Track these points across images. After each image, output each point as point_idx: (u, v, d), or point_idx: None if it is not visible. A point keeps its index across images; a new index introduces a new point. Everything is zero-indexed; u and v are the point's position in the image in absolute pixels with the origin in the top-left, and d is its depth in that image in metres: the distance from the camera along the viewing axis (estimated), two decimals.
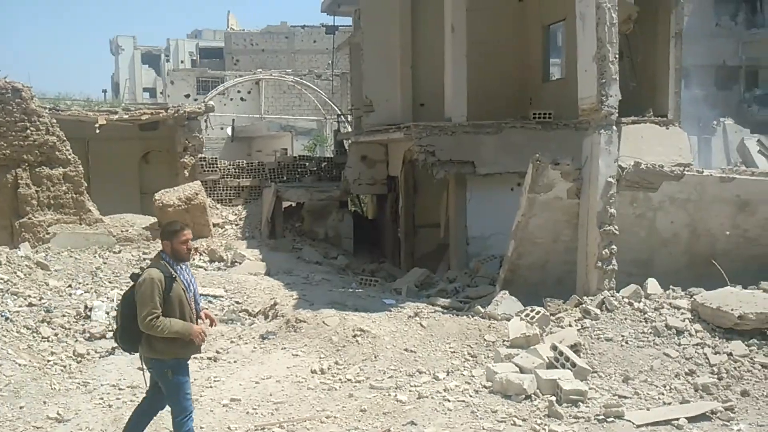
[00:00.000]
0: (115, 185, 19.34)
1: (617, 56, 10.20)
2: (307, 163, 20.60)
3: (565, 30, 16.66)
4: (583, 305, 9.41)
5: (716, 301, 8.80)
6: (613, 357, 8.25)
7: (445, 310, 10.28)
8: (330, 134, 31.96)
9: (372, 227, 19.71)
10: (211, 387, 8.18)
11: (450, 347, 8.78)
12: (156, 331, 5.56)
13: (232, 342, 9.89)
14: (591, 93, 10.17)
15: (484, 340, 8.89)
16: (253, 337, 9.94)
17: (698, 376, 7.78)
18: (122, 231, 15.96)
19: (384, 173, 18.20)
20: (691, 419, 6.87)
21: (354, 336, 9.12)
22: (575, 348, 8.31)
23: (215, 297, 11.80)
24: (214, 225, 17.31)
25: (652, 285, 9.75)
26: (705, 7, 35.17)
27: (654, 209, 10.50)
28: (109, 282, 12.70)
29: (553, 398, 7.24)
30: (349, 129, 22.23)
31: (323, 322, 9.59)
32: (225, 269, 14.35)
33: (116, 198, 18.48)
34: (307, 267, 14.89)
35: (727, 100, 33.69)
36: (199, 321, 5.93)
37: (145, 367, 5.89)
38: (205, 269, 14.15)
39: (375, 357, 8.67)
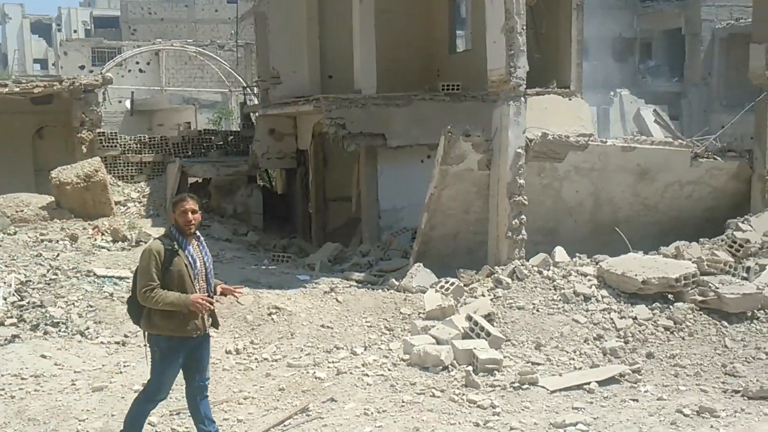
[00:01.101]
0: (6, 163, 18.30)
1: (525, 28, 10.32)
2: (213, 137, 20.07)
3: (470, 1, 16.77)
4: (495, 275, 9.58)
5: (620, 267, 9.11)
6: (525, 325, 8.44)
7: (360, 285, 10.26)
8: (236, 107, 31.22)
9: (282, 202, 19.45)
10: (120, 372, 7.88)
11: (367, 322, 8.78)
12: (151, 303, 5.37)
13: None
14: (500, 65, 10.25)
15: (400, 313, 8.93)
16: None
17: (606, 341, 8.06)
18: (17, 211, 15.13)
19: (293, 147, 17.95)
20: (602, 383, 7.12)
21: (269, 314, 8.99)
22: (489, 317, 8.45)
23: (120, 279, 11.33)
24: (116, 203, 16.65)
25: (560, 253, 10.01)
26: None
27: (560, 179, 10.77)
28: (6, 266, 12.01)
29: (470, 368, 7.35)
30: (256, 101, 21.77)
31: (237, 301, 9.37)
32: (130, 249, 13.81)
33: (8, 176, 17.49)
34: (216, 245, 14.51)
35: (623, 72, 34.88)
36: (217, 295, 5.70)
37: (147, 344, 5.67)
38: (109, 249, 13.59)
39: (291, 335, 8.57)
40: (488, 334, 7.96)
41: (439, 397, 6.90)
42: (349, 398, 6.93)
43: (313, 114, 15.18)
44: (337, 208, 16.83)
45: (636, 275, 8.83)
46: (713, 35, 32.38)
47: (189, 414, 6.05)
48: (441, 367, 7.47)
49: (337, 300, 9.39)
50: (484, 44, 11.41)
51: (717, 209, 11.37)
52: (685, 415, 6.38)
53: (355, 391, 7.09)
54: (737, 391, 6.88)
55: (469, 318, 8.18)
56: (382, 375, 7.44)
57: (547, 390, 7.00)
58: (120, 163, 18.46)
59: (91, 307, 10.06)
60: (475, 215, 10.45)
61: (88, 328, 9.31)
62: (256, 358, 8.09)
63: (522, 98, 10.26)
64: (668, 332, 8.19)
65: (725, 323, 8.32)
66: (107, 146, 18.29)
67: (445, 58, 17.53)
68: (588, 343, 8.05)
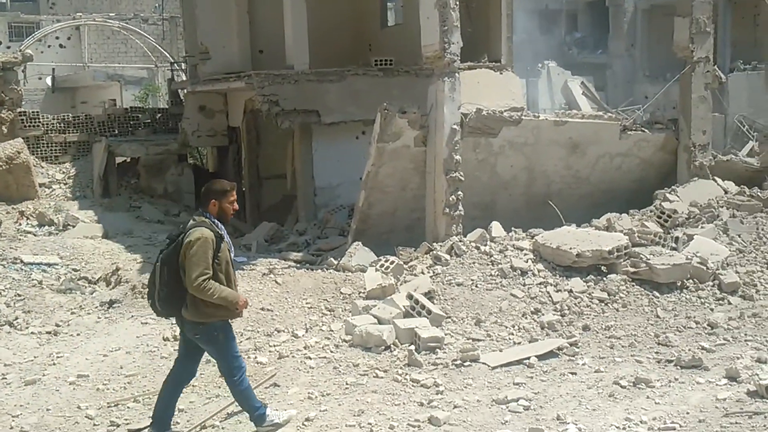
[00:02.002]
0: None
1: (458, 3, 10.29)
2: (141, 115, 19.41)
3: None
4: (434, 252, 9.62)
5: (555, 241, 9.28)
6: (464, 301, 8.52)
7: (299, 265, 10.15)
8: (163, 83, 30.31)
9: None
10: (54, 364, 7.63)
11: (307, 303, 8.71)
12: (204, 294, 5.30)
13: (72, 313, 9.28)
14: (434, 40, 10.21)
15: (341, 293, 8.89)
16: (96, 307, 9.39)
17: (543, 315, 8.22)
18: None
19: (224, 124, 17.56)
20: (541, 357, 7.26)
21: None
22: (429, 295, 8.50)
23: (49, 265, 10.97)
24: (41, 185, 15.97)
25: (496, 228, 10.12)
26: None
27: (495, 154, 10.87)
28: None
29: (412, 347, 7.39)
30: (184, 77, 21.17)
31: None
32: (57, 233, 13.34)
33: None
34: (148, 227, 14.20)
35: (550, 44, 35.35)
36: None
37: (188, 334, 5.61)
38: (35, 235, 13.10)
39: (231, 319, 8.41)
40: (429, 312, 8.00)
41: (382, 377, 6.92)
42: (293, 382, 6.88)
43: (245, 90, 14.85)
44: (272, 186, 16.60)
45: (570, 248, 9.01)
46: (636, 7, 33.07)
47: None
48: (383, 347, 7.48)
49: (276, 282, 9.27)
50: (415, 18, 11.35)
51: (645, 180, 11.70)
52: (622, 387, 6.56)
53: (298, 374, 7.04)
54: (670, 361, 7.11)
55: (410, 296, 8.20)
56: (325, 357, 7.40)
57: (489, 366, 7.10)
58: (43, 144, 17.69)
59: (20, 296, 9.73)
60: (412, 192, 10.46)
61: (17, 318, 9.00)
62: None
63: (456, 74, 10.27)
64: (603, 304, 8.41)
65: (657, 293, 8.59)
66: (29, 126, 17.48)
67: (376, 33, 17.36)
68: (526, 318, 8.19)
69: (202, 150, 20.67)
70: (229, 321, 5.66)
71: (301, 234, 12.66)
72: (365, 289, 8.72)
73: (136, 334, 8.28)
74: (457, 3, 10.26)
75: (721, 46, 24.32)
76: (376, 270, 9.09)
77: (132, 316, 8.79)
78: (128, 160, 17.62)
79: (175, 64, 24.68)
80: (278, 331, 8.11)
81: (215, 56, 16.22)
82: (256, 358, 7.47)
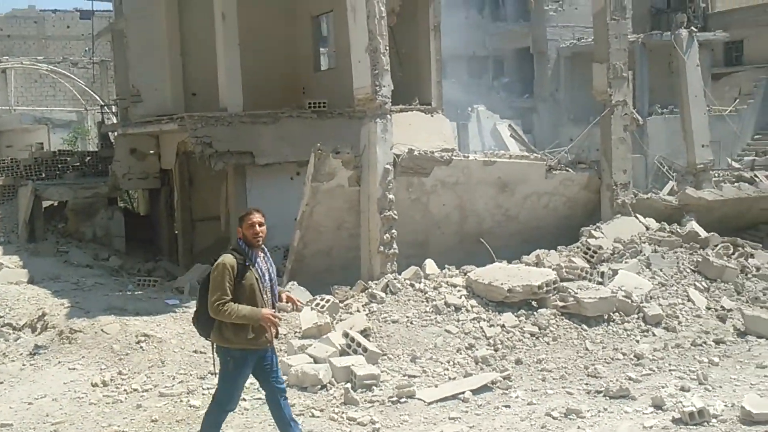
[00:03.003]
0: None
1: (387, 48, 10.57)
2: (69, 158, 19.09)
3: (333, 20, 16.96)
4: (369, 290, 9.69)
5: (487, 277, 9.48)
6: (400, 338, 8.58)
7: None
8: (93, 126, 29.81)
9: (145, 224, 18.77)
10: None
11: None
12: (223, 316, 5.43)
13: None
14: (365, 83, 10.44)
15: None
16: (21, 354, 9.05)
17: (477, 349, 8.34)
18: None
19: (156, 166, 17.39)
20: (475, 391, 7.36)
21: (137, 342, 8.64)
22: (365, 333, 8.54)
23: None
24: None
25: (430, 265, 10.29)
26: (455, 1, 37.57)
27: (428, 193, 11.09)
28: None
29: (349, 385, 7.39)
30: (115, 120, 20.92)
31: (102, 330, 8.97)
32: None
33: None
34: (76, 271, 13.82)
35: (478, 88, 36.30)
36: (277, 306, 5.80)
37: (216, 355, 5.74)
38: None
39: (162, 362, 8.27)
40: (365, 349, 8.03)
41: (318, 416, 6.89)
42: (226, 425, 6.73)
43: (178, 132, 14.79)
44: (205, 228, 16.46)
45: (502, 284, 9.21)
46: (558, 54, 34.35)
47: None
48: (319, 386, 7.47)
49: None
50: (347, 62, 11.59)
51: (571, 218, 12.09)
52: (553, 418, 6.70)
53: (232, 417, 6.90)
54: (599, 391, 7.30)
55: (346, 335, 8.23)
56: (260, 398, 7.30)
57: (425, 402, 7.16)
58: None
59: None
60: (347, 231, 10.56)
61: None
62: (125, 389, 7.74)
63: (388, 115, 10.50)
64: (534, 338, 8.60)
65: (585, 326, 8.84)
66: None
67: (310, 76, 17.59)
68: (461, 353, 8.30)
69: (132, 193, 20.35)
70: (253, 352, 5.63)
71: None
72: (301, 328, 8.70)
73: (63, 380, 8.04)
74: (387, 48, 10.55)
75: (639, 92, 25.47)
76: (312, 309, 9.09)
77: (59, 362, 8.53)
78: (56, 203, 17.22)
79: (106, 107, 24.37)
80: (212, 374, 7.96)
81: (147, 99, 16.12)
82: (189, 401, 7.34)
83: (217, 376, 5.83)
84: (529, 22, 34.61)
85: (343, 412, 6.91)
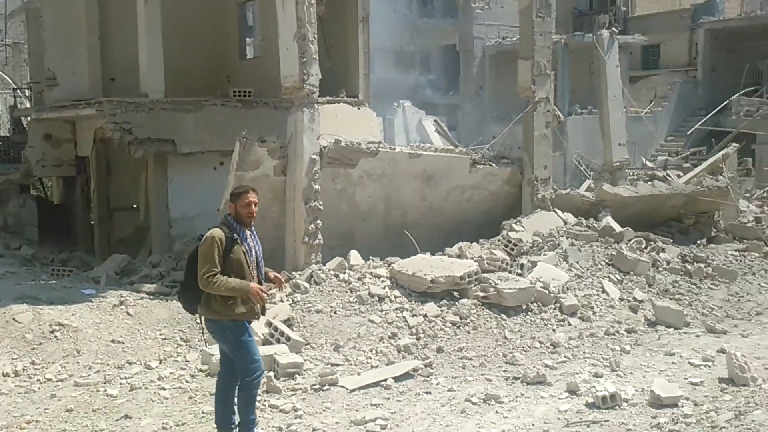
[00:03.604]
0: None
1: (316, 36, 10.53)
2: None
3: (258, 8, 16.75)
4: (294, 280, 9.65)
5: (411, 268, 9.58)
6: (323, 328, 8.60)
7: (153, 296, 9.85)
8: (4, 111, 28.58)
9: (59, 213, 18.08)
10: None
11: (161, 334, 8.47)
12: (212, 288, 5.48)
13: None
14: (293, 72, 10.37)
15: (197, 323, 8.64)
16: None
17: (400, 338, 8.43)
18: None
19: (72, 153, 16.76)
20: (397, 379, 7.44)
21: (52, 331, 8.34)
22: (289, 322, 8.51)
23: None
24: None
25: (354, 256, 10.32)
26: None
27: (354, 184, 11.11)
28: None
29: (271, 373, 7.35)
30: (29, 104, 20.10)
31: (13, 319, 8.62)
32: None
33: None
34: None
35: (405, 84, 36.53)
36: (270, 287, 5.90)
37: (206, 330, 5.83)
38: None
39: (78, 352, 8.04)
40: (288, 338, 8.01)
41: None
42: (145, 414, 6.65)
43: (95, 118, 14.30)
44: (123, 218, 15.98)
45: (425, 275, 9.33)
46: (484, 52, 34.92)
47: None
48: None
49: (127, 313, 8.95)
50: (274, 51, 11.49)
51: (493, 211, 12.33)
52: (473, 403, 6.84)
53: (151, 406, 6.82)
54: (517, 378, 7.50)
55: (269, 324, 8.18)
56: (180, 387, 7.22)
57: (347, 389, 7.20)
58: None
59: None
60: (272, 221, 10.47)
61: None
62: (38, 379, 7.49)
63: (315, 105, 10.47)
64: (455, 327, 8.75)
65: (504, 316, 9.05)
66: None
67: (235, 64, 17.31)
68: (383, 342, 8.37)
69: (46, 181, 19.62)
70: (245, 322, 5.71)
71: (155, 266, 12.26)
72: None
73: None
74: (316, 36, 10.50)
75: (560, 91, 26.16)
76: None
77: None
78: None
79: (19, 91, 23.39)
80: (130, 363, 7.83)
81: (63, 83, 15.53)
82: (105, 390, 7.16)
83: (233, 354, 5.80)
84: (456, 19, 35.02)
85: (265, 400, 6.87)
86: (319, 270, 9.81)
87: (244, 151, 10.10)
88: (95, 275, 12.07)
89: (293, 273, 9.92)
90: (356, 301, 9.13)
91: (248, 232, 5.80)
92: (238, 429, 5.85)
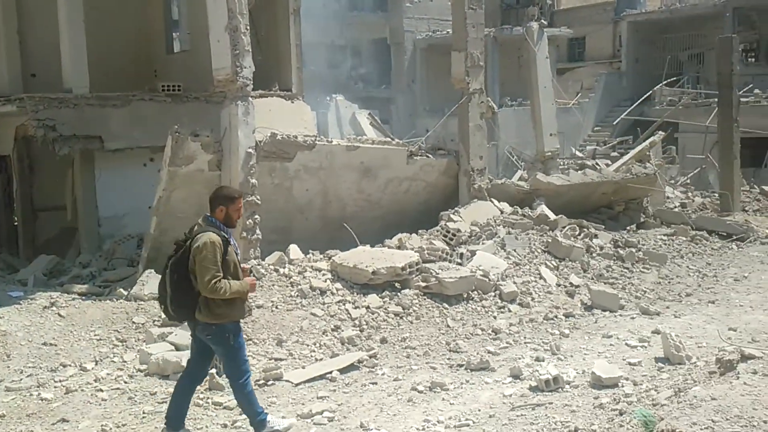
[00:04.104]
0: None
1: (248, 28, 10.34)
2: None
3: (185, 0, 16.40)
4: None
5: (352, 260, 9.54)
6: (265, 323, 8.47)
7: (85, 297, 9.53)
8: None
9: None
10: None
11: (95, 335, 8.20)
12: (219, 294, 5.44)
13: None
14: (225, 64, 10.16)
15: (133, 322, 8.47)
16: None
17: (343, 331, 8.38)
18: None
19: None
20: (342, 371, 7.40)
21: None
22: None
23: None
24: None
25: (294, 250, 10.21)
26: None
27: (291, 178, 10.98)
28: None
29: (213, 371, 7.18)
30: None
31: None
32: None
33: None
34: None
35: (337, 78, 36.42)
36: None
37: (200, 335, 5.68)
38: None
39: (8, 356, 7.71)
40: None
41: None
42: (83, 416, 6.42)
43: (16, 116, 13.74)
44: (48, 218, 15.39)
45: (366, 267, 9.30)
46: (415, 45, 35.11)
47: None
48: None
49: (59, 315, 8.63)
50: (203, 44, 11.26)
51: (431, 202, 12.39)
52: (419, 392, 6.85)
53: (89, 408, 6.59)
54: (461, 365, 7.54)
55: None
56: (118, 388, 7.00)
57: (292, 383, 7.12)
58: None
59: None
60: None
61: None
62: None
63: (249, 98, 10.29)
64: (398, 318, 8.75)
65: (446, 305, 9.10)
66: None
67: (162, 58, 16.89)
68: (327, 335, 8.31)
69: None
70: (240, 324, 5.78)
71: (85, 266, 11.89)
72: (160, 316, 8.37)
73: None
74: (248, 28, 10.32)
75: (490, 84, 26.49)
76: None
77: None
78: None
79: None
80: (64, 366, 7.55)
81: None
82: (39, 394, 6.89)
83: (221, 359, 5.91)
84: (386, 12, 35.08)
85: (208, 398, 6.74)
86: (259, 265, 9.66)
87: (176, 145, 9.85)
88: (22, 277, 11.64)
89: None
90: (298, 295, 9.03)
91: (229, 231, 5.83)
92: (256, 427, 5.88)
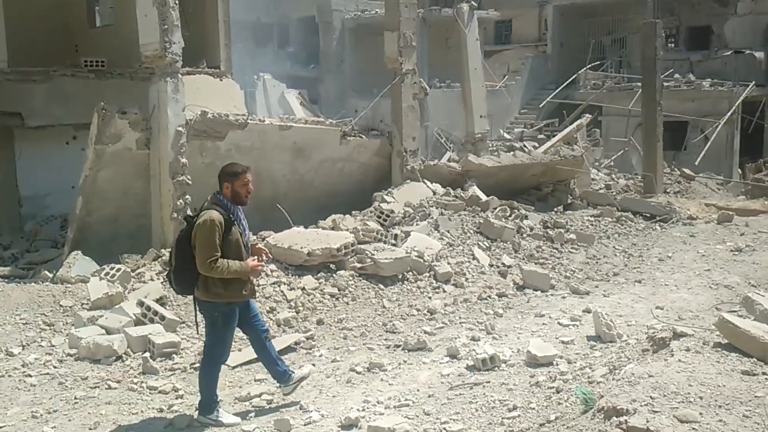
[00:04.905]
0: None
1: (177, 2, 10.04)
2: None
3: None
4: (163, 257, 9.25)
5: (287, 241, 9.44)
6: None
7: (7, 280, 9.15)
8: None
9: None
10: None
11: (21, 319, 7.87)
12: (216, 273, 5.41)
13: None
14: (153, 39, 9.86)
15: (60, 306, 8.17)
16: None
17: (279, 312, 8.31)
18: None
19: None
20: (279, 353, 7.26)
21: None
22: (161, 301, 8.17)
23: None
24: None
25: None
26: None
27: (222, 157, 10.71)
28: None
29: (147, 354, 7.04)
30: None
31: None
32: None
33: None
34: None
35: (264, 56, 35.83)
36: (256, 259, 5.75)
37: (200, 312, 5.73)
38: None
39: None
40: (162, 317, 7.69)
41: (116, 388, 6.50)
42: (12, 402, 6.18)
43: None
44: None
45: (301, 248, 9.22)
46: (343, 25, 34.81)
47: None
48: (114, 357, 7.04)
49: None
50: (128, 19, 10.91)
51: (364, 183, 12.37)
52: (357, 373, 6.86)
53: (17, 394, 6.34)
54: (398, 346, 7.59)
55: (141, 303, 7.81)
56: (48, 373, 6.76)
57: (229, 366, 6.98)
58: None
59: None
60: (136, 197, 9.97)
61: None
62: None
63: (179, 75, 10.02)
64: (334, 299, 8.73)
65: (382, 286, 9.13)
66: None
67: (85, 33, 16.27)
68: (262, 317, 8.18)
69: None
70: (237, 305, 5.68)
71: (6, 248, 11.42)
72: (89, 299, 8.12)
73: None
74: (177, 2, 10.02)
75: (419, 65, 26.53)
76: (101, 279, 8.51)
77: None
78: None
79: None
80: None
81: None
82: None
83: (205, 332, 5.81)
84: None
85: (142, 382, 6.59)
86: None
87: (103, 123, 9.52)
88: None
89: (162, 250, 9.51)
90: None
91: (238, 209, 5.72)
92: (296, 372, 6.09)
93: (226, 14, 16.19)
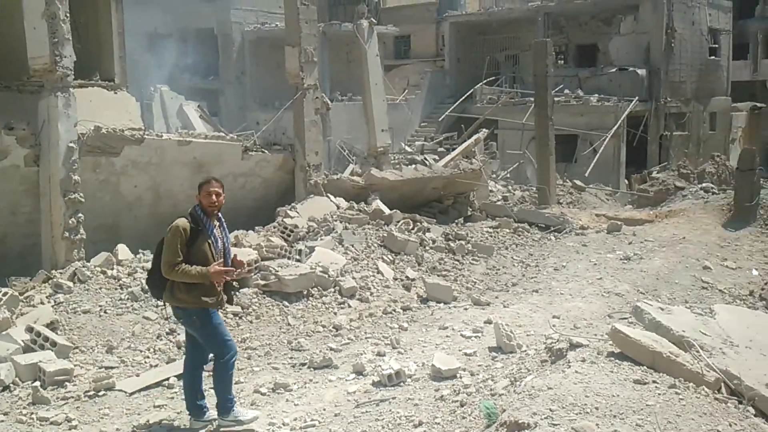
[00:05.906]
0: None
1: (68, 15, 9.69)
2: None
3: None
4: (54, 279, 8.85)
5: None
6: (93, 329, 7.99)
7: None
8: None
9: None
10: None
11: None
12: (176, 276, 5.55)
13: None
14: (43, 53, 9.49)
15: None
16: None
17: (179, 334, 8.05)
18: None
19: None
20: (180, 376, 7.09)
21: None
22: (53, 326, 7.78)
23: None
24: None
25: (123, 250, 9.71)
26: None
27: (118, 174, 10.45)
28: None
29: (37, 383, 6.69)
30: None
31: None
32: None
33: None
34: None
35: (161, 68, 34.96)
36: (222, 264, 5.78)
37: (175, 317, 6.00)
38: None
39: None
40: (54, 343, 7.33)
41: (3, 420, 6.15)
42: None
43: None
44: None
45: None
46: (243, 37, 34.44)
47: None
48: (1, 388, 6.66)
49: None
50: (14, 30, 10.42)
51: (267, 198, 12.26)
52: (262, 394, 6.75)
53: None
54: (304, 364, 7.52)
55: (30, 329, 7.42)
56: None
57: (126, 393, 6.76)
58: None
59: None
60: (24, 216, 9.54)
61: None
62: None
63: (70, 89, 9.67)
64: (237, 318, 8.57)
65: (286, 303, 9.04)
66: None
67: None
68: (161, 339, 7.98)
69: None
70: (208, 310, 5.72)
71: None
72: None
73: None
74: (68, 15, 9.66)
75: (321, 79, 26.56)
76: None
77: None
78: None
79: None
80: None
81: None
82: None
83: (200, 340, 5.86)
84: (213, 2, 34.17)
85: (32, 413, 6.25)
86: (83, 267, 9.09)
87: None
88: None
89: (53, 272, 9.09)
90: (128, 298, 8.59)
91: (216, 222, 5.90)
92: (210, 411, 5.97)
93: (121, 25, 15.69)
